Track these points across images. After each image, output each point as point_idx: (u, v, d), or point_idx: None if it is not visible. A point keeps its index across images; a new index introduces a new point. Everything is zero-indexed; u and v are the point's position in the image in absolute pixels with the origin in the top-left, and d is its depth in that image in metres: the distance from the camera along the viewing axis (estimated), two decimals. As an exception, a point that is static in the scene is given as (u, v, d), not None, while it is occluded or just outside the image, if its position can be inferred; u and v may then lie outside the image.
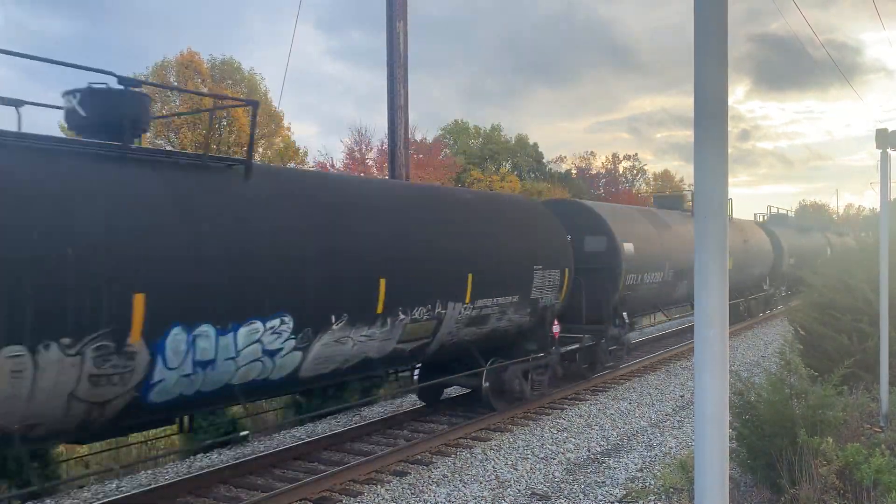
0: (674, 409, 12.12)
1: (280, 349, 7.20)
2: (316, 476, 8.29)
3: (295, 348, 7.35)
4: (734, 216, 24.08)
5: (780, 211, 32.59)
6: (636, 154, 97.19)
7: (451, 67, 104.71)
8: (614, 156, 72.82)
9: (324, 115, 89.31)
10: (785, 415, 6.51)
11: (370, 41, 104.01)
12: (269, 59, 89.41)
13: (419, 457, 9.31)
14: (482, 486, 8.27)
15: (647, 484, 8.14)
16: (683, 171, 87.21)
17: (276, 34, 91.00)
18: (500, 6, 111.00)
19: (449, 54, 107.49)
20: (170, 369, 6.22)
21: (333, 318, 7.69)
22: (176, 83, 35.97)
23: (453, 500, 7.85)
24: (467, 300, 9.67)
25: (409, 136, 13.80)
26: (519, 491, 8.12)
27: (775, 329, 21.79)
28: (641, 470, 8.82)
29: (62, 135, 7.56)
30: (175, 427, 7.83)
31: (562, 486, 8.32)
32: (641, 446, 9.91)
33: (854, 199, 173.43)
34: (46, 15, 78.70)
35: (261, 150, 38.81)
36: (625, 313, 14.42)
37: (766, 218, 31.27)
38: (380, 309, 8.28)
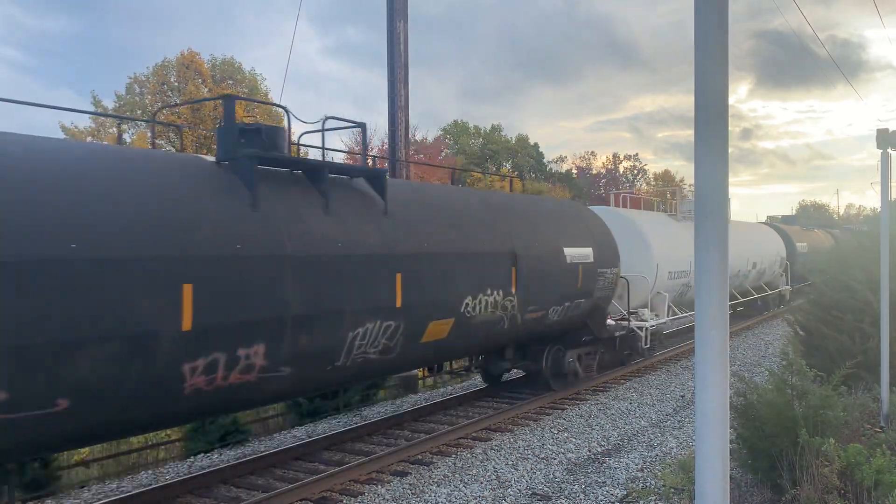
0: (674, 410, 12.11)
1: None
2: (316, 476, 8.28)
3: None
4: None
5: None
6: (637, 154, 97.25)
7: (451, 65, 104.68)
8: (615, 156, 72.85)
9: (321, 115, 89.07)
10: (786, 415, 6.50)
11: (366, 38, 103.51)
12: (264, 56, 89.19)
13: (419, 457, 9.30)
14: (483, 486, 8.26)
15: (648, 484, 8.13)
16: (684, 171, 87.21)
17: (268, 31, 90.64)
18: (500, 2, 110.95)
19: (448, 52, 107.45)
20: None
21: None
22: (177, 84, 35.96)
23: (454, 500, 7.84)
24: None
25: (410, 135, 13.89)
26: (520, 491, 8.11)
27: (776, 329, 21.77)
28: (642, 470, 8.82)
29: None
30: (176, 430, 7.83)
31: (562, 486, 8.31)
32: (642, 446, 9.90)
33: (855, 198, 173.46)
34: (44, 13, 78.69)
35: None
36: None
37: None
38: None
